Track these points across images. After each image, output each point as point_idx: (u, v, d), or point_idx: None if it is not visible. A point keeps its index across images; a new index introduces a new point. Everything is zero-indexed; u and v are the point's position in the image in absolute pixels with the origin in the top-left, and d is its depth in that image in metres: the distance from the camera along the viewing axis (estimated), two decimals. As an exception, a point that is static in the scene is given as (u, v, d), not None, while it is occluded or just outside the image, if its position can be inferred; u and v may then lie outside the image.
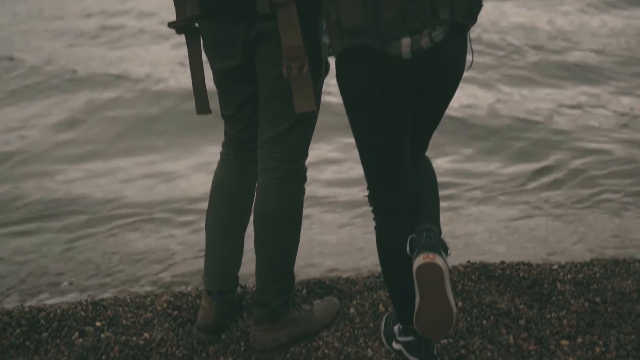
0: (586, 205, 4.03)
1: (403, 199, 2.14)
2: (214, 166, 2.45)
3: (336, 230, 3.72)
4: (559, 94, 5.86)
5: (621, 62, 6.61)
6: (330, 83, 2.17)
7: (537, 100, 5.73)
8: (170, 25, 2.15)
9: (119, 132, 5.27)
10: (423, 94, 2.04)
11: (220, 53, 2.16)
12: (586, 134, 5.00)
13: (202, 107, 2.25)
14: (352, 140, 2.12)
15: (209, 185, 2.44)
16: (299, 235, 2.34)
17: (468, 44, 2.03)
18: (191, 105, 2.30)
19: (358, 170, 2.41)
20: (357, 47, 1.91)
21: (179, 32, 2.16)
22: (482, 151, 4.79)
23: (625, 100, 5.69)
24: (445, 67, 2.00)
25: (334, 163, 4.53)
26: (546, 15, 8.03)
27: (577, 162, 4.55)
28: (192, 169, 4.50)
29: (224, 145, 2.40)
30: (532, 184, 4.33)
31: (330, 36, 1.96)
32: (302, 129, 2.21)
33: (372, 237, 2.23)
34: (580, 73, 6.33)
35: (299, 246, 2.37)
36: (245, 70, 2.17)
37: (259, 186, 2.28)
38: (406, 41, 1.90)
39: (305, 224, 2.40)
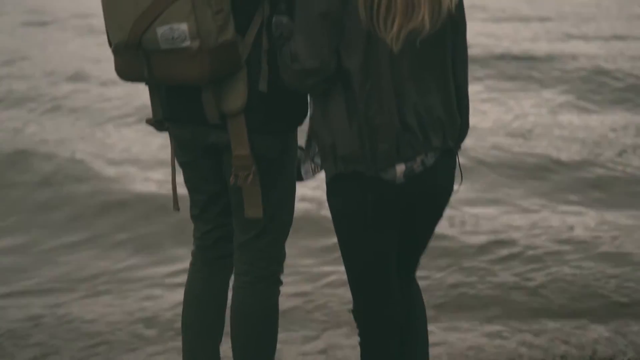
0: None
1: (390, 316, 2.12)
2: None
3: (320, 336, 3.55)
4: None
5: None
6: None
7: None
8: (147, 122, 2.19)
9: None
10: (413, 215, 2.05)
11: (186, 151, 2.19)
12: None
13: (175, 203, 2.26)
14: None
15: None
16: (276, 337, 2.30)
17: (457, 164, 2.07)
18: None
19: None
20: (351, 172, 1.93)
21: (157, 129, 2.20)
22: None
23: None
24: (436, 188, 2.02)
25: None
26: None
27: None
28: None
29: (192, 254, 2.39)
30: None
31: (323, 159, 1.98)
32: (271, 236, 2.21)
33: (357, 352, 2.19)
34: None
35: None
36: (209, 170, 2.19)
37: (233, 287, 2.29)
38: (400, 168, 1.92)
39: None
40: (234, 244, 2.25)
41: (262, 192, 2.08)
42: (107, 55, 2.20)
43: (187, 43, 1.88)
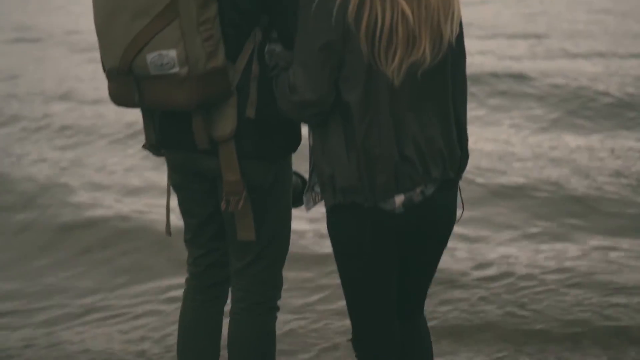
0: None
1: (388, 347, 2.10)
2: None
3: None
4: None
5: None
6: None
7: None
8: (143, 147, 2.20)
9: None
10: (414, 246, 2.04)
11: (179, 175, 2.21)
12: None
13: (168, 228, 2.29)
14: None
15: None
16: None
17: (458, 194, 2.06)
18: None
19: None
20: (350, 203, 1.93)
21: (153, 153, 2.21)
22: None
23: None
24: (436, 218, 2.01)
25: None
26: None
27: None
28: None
29: (186, 281, 2.38)
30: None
31: (322, 189, 1.98)
32: (266, 262, 2.21)
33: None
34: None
35: None
36: (201, 194, 2.20)
37: (229, 313, 2.28)
38: (399, 198, 1.92)
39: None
40: (231, 270, 2.25)
41: (256, 218, 2.09)
42: (91, 74, 2.20)
43: (176, 69, 1.89)
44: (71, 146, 6.59)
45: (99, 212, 4.95)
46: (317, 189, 2.04)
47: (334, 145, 1.91)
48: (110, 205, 5.09)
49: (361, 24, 1.79)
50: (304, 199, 2.09)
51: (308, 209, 2.09)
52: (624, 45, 9.84)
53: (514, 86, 7.78)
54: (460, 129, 2.01)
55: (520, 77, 7.99)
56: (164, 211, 2.31)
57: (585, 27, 11.28)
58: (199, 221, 2.25)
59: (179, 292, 2.44)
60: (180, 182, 2.21)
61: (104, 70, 2.02)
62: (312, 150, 2.01)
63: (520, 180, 5.26)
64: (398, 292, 2.08)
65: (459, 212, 2.06)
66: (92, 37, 2.18)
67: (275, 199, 2.15)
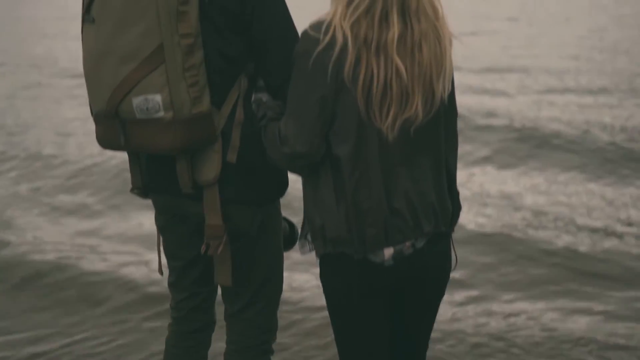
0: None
1: None
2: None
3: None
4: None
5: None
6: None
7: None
8: (131, 191, 2.22)
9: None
10: (407, 298, 2.03)
11: (164, 217, 2.24)
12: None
13: (160, 267, 2.30)
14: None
15: None
16: None
17: (451, 246, 2.05)
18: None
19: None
20: (339, 253, 1.93)
21: (140, 196, 2.23)
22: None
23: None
24: (427, 271, 2.00)
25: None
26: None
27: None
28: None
29: (168, 327, 2.39)
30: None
31: (313, 238, 1.99)
32: (260, 306, 2.24)
33: None
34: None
35: None
36: (185, 237, 2.21)
37: (224, 355, 2.31)
38: (389, 251, 1.92)
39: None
40: (225, 314, 2.28)
41: (246, 264, 2.13)
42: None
43: (161, 114, 1.92)
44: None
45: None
46: (309, 237, 2.04)
47: (325, 196, 1.92)
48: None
49: (358, 80, 1.81)
50: (299, 243, 2.08)
51: (303, 253, 2.07)
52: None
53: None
54: (451, 182, 2.02)
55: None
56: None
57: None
58: (182, 264, 2.26)
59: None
60: (166, 224, 2.23)
61: (92, 113, 2.05)
62: (304, 199, 2.00)
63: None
64: (397, 345, 2.07)
65: (452, 263, 2.05)
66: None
67: (265, 244, 2.17)
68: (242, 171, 2.03)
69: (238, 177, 2.04)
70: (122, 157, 4.99)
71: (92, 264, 4.57)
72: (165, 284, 2.39)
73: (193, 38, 1.91)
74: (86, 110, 2.39)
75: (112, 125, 1.98)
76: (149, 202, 2.24)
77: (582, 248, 4.61)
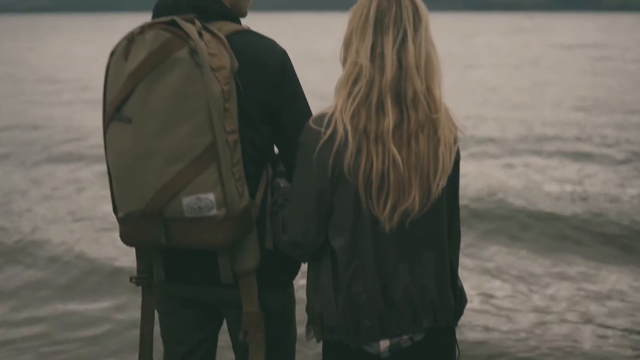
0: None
1: None
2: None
3: None
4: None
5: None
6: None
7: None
8: (132, 280, 2.16)
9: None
10: None
11: (173, 303, 2.17)
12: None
13: (145, 357, 2.21)
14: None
15: None
16: None
17: (454, 340, 1.99)
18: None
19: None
20: (337, 341, 1.93)
21: (138, 285, 2.16)
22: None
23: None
24: None
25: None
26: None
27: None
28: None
29: None
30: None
31: (313, 324, 1.99)
32: None
33: None
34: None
35: None
36: (194, 320, 2.19)
37: None
38: (385, 343, 1.90)
39: None
40: None
41: (267, 346, 2.08)
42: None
43: (214, 212, 1.87)
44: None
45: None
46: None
47: (324, 285, 1.92)
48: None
49: (358, 170, 1.80)
50: (305, 329, 2.09)
51: (307, 339, 2.09)
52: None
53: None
54: (454, 277, 1.98)
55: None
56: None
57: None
58: (185, 350, 2.21)
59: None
60: (172, 309, 2.17)
61: (116, 212, 1.98)
62: (307, 285, 2.02)
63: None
64: None
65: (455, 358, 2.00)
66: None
67: (287, 325, 2.18)
68: (276, 256, 2.03)
69: (272, 262, 2.03)
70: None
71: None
72: None
73: (237, 134, 1.89)
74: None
75: (151, 224, 1.92)
76: None
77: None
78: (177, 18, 1.86)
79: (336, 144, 1.79)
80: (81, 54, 33.94)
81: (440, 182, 1.84)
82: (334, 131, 1.80)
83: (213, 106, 1.82)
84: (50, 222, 7.31)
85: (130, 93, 1.86)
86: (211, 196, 1.87)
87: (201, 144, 1.85)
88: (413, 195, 1.81)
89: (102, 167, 2.56)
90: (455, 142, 1.85)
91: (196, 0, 1.98)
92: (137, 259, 2.12)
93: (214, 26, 1.95)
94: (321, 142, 1.81)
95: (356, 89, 1.78)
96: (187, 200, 1.87)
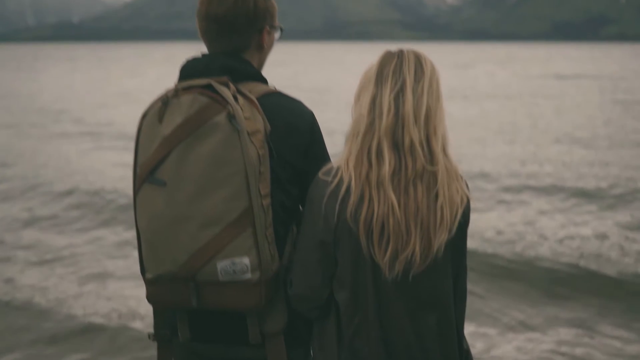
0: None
1: None
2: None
3: None
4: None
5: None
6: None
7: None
8: (150, 337, 2.09)
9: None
10: None
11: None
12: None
13: None
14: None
15: None
16: None
17: None
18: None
19: None
20: None
21: (156, 341, 2.10)
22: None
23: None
24: None
25: None
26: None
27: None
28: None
29: None
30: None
31: None
32: None
33: None
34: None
35: None
36: None
37: None
38: None
39: None
40: None
41: None
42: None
43: (248, 275, 1.87)
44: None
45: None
46: None
47: (328, 338, 1.93)
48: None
49: (360, 216, 1.81)
50: None
51: None
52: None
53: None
54: (460, 338, 1.97)
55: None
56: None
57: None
58: None
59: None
60: None
61: (144, 273, 1.95)
62: (312, 343, 2.01)
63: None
64: None
65: None
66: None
67: None
68: (300, 315, 2.02)
69: (298, 322, 2.02)
70: None
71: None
72: None
73: (270, 197, 1.90)
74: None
75: (182, 287, 1.91)
76: None
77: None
78: (213, 82, 1.88)
79: (341, 192, 1.83)
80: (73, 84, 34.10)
81: (440, 237, 1.82)
82: (340, 180, 1.84)
83: (250, 171, 1.83)
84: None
85: (165, 157, 1.86)
86: (246, 260, 1.86)
87: (237, 209, 1.84)
88: (413, 243, 1.81)
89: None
90: (462, 203, 1.85)
91: (228, 62, 2.01)
92: (154, 315, 2.08)
93: (244, 87, 1.98)
94: (328, 191, 1.85)
95: (359, 138, 1.84)
96: (221, 264, 1.87)
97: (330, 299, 1.92)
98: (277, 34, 2.14)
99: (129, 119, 17.53)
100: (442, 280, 1.88)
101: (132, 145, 2.04)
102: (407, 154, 1.81)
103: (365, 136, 1.83)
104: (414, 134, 1.80)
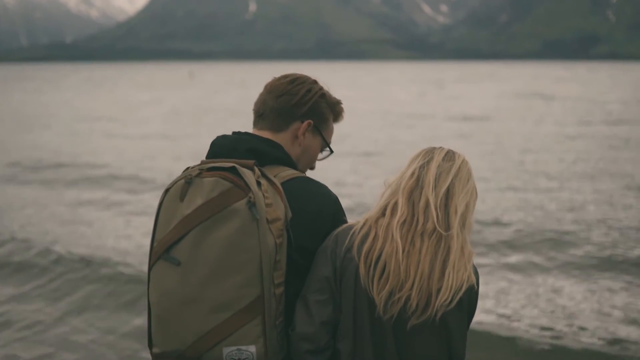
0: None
1: None
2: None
3: None
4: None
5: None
6: None
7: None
8: None
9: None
10: None
11: None
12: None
13: None
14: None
15: None
16: None
17: None
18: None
19: None
20: None
21: None
22: None
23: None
24: None
25: None
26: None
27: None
28: None
29: None
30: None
31: None
32: None
33: None
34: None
35: None
36: None
37: None
38: None
39: None
40: None
41: None
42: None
43: None
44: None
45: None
46: None
47: None
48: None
49: (362, 247, 1.90)
50: None
51: None
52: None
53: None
54: None
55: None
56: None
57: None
58: None
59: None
60: None
61: (151, 346, 1.94)
62: None
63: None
64: None
65: None
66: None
67: None
68: None
69: None
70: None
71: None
72: None
73: (283, 286, 1.89)
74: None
75: None
76: None
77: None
78: (237, 165, 1.88)
79: (353, 229, 1.94)
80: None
81: (442, 299, 1.87)
82: (355, 224, 1.96)
83: (265, 259, 1.83)
84: None
85: (182, 236, 1.86)
86: (252, 349, 1.85)
87: (249, 296, 1.84)
88: (409, 287, 1.86)
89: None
90: (467, 282, 1.89)
91: (256, 145, 2.02)
92: None
93: (271, 171, 1.99)
94: (341, 228, 1.96)
95: (382, 199, 1.97)
96: (227, 350, 1.85)
97: (333, 353, 1.95)
98: (324, 152, 2.15)
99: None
100: (440, 347, 1.92)
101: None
102: (421, 212, 1.90)
103: (388, 197, 1.95)
104: (430, 197, 1.90)
